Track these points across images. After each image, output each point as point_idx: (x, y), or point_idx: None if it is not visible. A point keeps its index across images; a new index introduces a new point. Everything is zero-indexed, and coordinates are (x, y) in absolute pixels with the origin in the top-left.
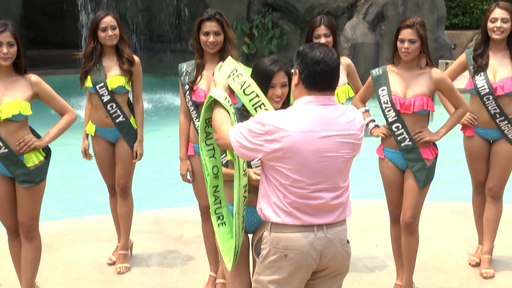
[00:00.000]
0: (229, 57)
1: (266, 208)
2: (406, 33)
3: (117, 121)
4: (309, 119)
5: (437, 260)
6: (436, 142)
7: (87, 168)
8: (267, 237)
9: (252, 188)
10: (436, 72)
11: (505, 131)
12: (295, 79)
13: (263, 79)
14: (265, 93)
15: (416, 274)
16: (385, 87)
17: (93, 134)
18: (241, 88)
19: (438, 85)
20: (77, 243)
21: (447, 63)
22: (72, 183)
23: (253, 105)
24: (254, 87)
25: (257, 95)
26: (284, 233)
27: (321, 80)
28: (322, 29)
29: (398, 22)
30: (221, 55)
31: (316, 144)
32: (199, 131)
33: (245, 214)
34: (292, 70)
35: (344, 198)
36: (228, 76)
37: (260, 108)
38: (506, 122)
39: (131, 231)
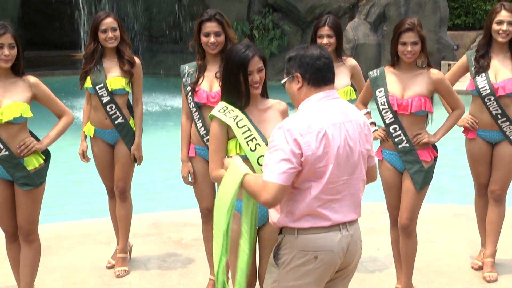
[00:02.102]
0: (221, 102)
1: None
2: (408, 36)
3: (116, 122)
4: (331, 112)
5: (440, 263)
6: (436, 144)
7: (86, 171)
8: (291, 241)
9: None
10: (434, 73)
11: (507, 133)
12: (296, 84)
13: (239, 67)
14: (243, 81)
15: (418, 278)
16: (382, 88)
17: (92, 136)
18: (234, 121)
19: (436, 85)
20: (76, 246)
21: (449, 65)
22: (71, 185)
23: (245, 138)
24: (246, 121)
25: (249, 129)
26: (313, 234)
27: (326, 73)
28: (325, 30)
29: None
30: (222, 55)
31: (343, 134)
32: (231, 198)
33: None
34: (282, 81)
35: (362, 194)
36: (218, 111)
37: (252, 141)
38: (508, 123)
39: (130, 234)
